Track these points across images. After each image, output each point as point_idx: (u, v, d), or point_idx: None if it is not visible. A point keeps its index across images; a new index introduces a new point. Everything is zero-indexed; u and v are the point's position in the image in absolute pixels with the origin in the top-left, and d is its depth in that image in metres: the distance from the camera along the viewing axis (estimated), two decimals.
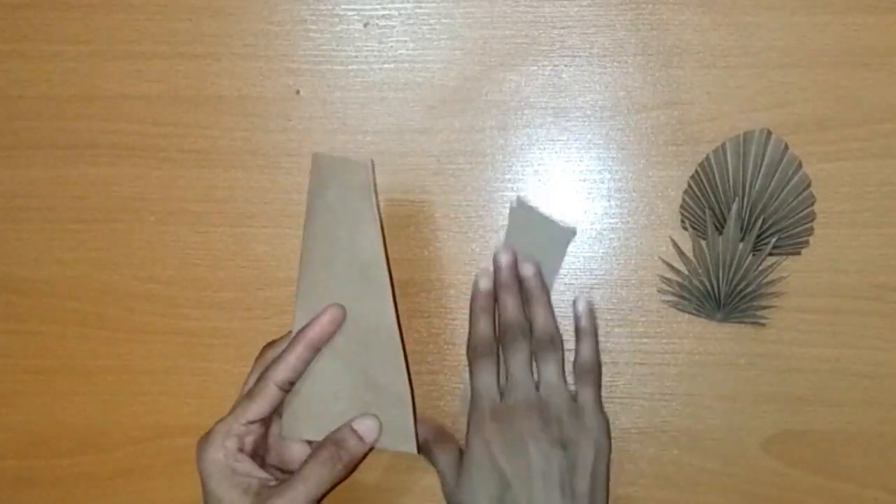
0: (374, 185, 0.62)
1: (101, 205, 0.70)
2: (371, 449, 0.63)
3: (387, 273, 0.62)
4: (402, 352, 0.62)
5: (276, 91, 0.69)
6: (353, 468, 0.62)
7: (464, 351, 0.68)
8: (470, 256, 0.69)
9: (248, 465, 0.60)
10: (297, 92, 0.69)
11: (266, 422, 0.62)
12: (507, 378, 0.64)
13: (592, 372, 0.66)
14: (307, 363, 0.62)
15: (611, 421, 0.68)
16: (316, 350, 0.62)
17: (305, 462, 0.61)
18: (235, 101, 0.69)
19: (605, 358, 0.68)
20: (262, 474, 0.60)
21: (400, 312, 0.65)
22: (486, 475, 0.61)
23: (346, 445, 0.61)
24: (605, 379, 0.68)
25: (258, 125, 0.69)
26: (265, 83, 0.69)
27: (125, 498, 0.70)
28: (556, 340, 0.65)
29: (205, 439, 0.61)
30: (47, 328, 0.70)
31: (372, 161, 0.62)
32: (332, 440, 0.62)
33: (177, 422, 0.70)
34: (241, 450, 0.60)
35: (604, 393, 0.68)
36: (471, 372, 0.65)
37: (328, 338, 0.63)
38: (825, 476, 0.68)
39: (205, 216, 0.69)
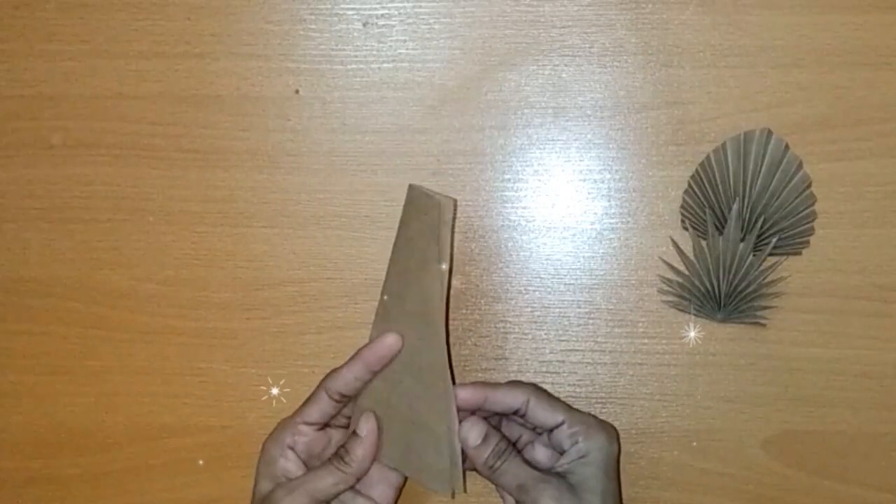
0: (452, 224, 0.61)
1: (101, 205, 0.70)
2: (376, 455, 0.63)
3: (443, 317, 0.61)
4: (451, 397, 0.61)
5: (275, 91, 0.69)
6: (359, 471, 0.62)
7: (465, 351, 0.68)
8: (469, 256, 0.69)
9: (291, 464, 0.62)
10: (297, 92, 0.69)
11: (325, 428, 0.64)
12: None
13: (533, 391, 0.63)
14: (361, 381, 0.62)
15: (611, 421, 0.68)
16: (371, 370, 0.62)
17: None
18: (235, 100, 0.69)
19: (605, 358, 0.68)
20: (298, 475, 0.62)
21: None
22: None
23: (348, 446, 0.62)
24: (605, 379, 0.68)
25: (258, 125, 0.69)
26: (264, 83, 0.69)
27: (125, 498, 0.70)
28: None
29: (274, 430, 0.63)
30: (47, 328, 0.70)
31: (454, 200, 0.61)
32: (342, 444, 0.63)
33: (177, 422, 0.70)
34: (291, 448, 0.62)
35: (604, 393, 0.68)
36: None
37: (383, 361, 0.62)
38: (825, 476, 0.68)
39: (204, 216, 0.69)
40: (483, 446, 0.62)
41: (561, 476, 0.61)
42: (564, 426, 0.62)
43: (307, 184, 0.69)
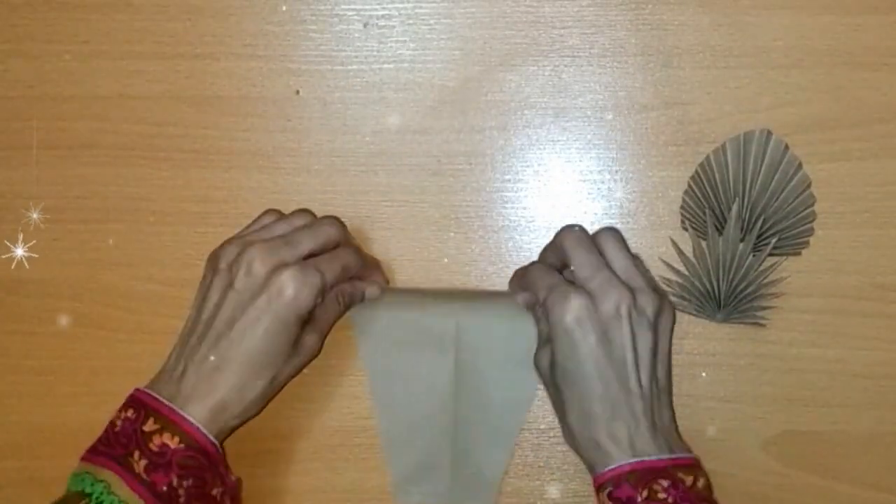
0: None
1: (101, 205, 0.70)
2: None
3: None
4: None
5: (275, 91, 0.69)
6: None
7: None
8: (470, 257, 0.69)
9: None
10: (297, 92, 0.69)
11: None
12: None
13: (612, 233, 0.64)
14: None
15: None
16: None
17: None
18: (235, 101, 0.69)
19: None
20: None
21: None
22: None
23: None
24: None
25: (258, 125, 0.69)
26: (265, 83, 0.69)
27: None
28: (612, 229, 0.64)
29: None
30: (47, 328, 0.70)
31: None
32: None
33: None
34: None
35: None
36: (533, 284, 0.63)
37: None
38: (825, 477, 0.68)
39: (205, 216, 0.69)
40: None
41: None
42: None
43: (307, 184, 0.69)
